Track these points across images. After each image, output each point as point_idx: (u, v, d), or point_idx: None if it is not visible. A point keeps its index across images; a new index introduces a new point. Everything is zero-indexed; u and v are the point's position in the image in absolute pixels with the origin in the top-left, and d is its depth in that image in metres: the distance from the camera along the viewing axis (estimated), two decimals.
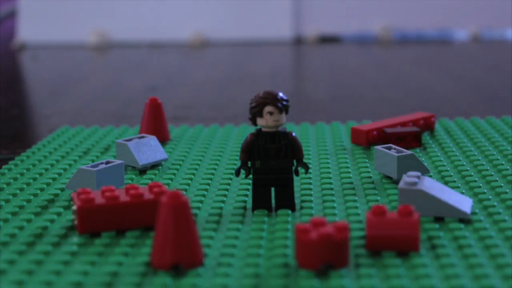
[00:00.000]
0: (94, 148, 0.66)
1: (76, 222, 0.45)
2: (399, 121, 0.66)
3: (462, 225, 0.45)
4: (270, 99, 0.46)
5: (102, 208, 0.45)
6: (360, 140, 0.64)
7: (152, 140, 0.60)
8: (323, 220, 0.40)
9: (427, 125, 0.68)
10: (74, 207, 0.45)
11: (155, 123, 0.67)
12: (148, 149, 0.59)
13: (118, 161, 0.54)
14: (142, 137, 0.61)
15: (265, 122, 0.47)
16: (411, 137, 0.62)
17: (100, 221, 0.45)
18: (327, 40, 1.59)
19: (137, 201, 0.45)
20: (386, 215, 0.41)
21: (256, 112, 0.47)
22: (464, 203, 0.47)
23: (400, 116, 0.69)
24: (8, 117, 0.89)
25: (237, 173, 0.49)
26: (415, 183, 0.46)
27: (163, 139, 0.67)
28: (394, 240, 0.41)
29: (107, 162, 0.53)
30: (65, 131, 0.73)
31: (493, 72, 1.18)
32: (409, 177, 0.47)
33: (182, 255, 0.39)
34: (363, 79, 1.12)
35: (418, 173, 0.48)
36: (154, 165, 0.60)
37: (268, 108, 0.47)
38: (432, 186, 0.47)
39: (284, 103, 0.47)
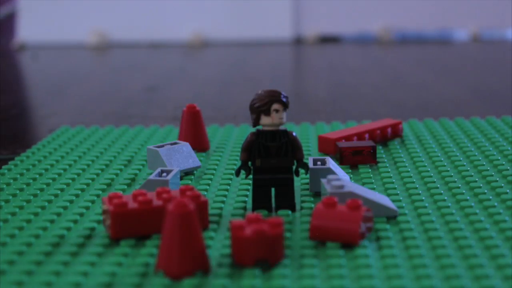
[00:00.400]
0: (94, 148, 0.66)
1: (108, 225, 0.44)
2: (367, 128, 0.64)
3: (462, 225, 0.45)
4: (277, 96, 0.47)
5: (135, 213, 0.44)
6: (328, 149, 0.61)
7: (185, 146, 0.58)
8: (259, 216, 0.40)
9: (395, 132, 0.66)
10: (105, 208, 0.45)
11: (194, 132, 0.64)
12: (180, 156, 0.57)
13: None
14: (175, 143, 0.59)
15: (271, 120, 0.47)
16: (367, 152, 0.58)
17: (134, 225, 0.44)
18: (327, 40, 1.59)
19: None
20: (336, 207, 0.43)
21: (263, 111, 0.47)
22: (387, 200, 0.48)
23: (369, 123, 0.67)
24: (8, 117, 0.89)
25: (237, 173, 0.49)
26: (342, 186, 0.46)
27: (202, 149, 0.64)
28: (336, 231, 0.42)
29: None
30: (65, 131, 0.73)
31: (493, 72, 1.18)
32: (333, 181, 0.47)
33: (188, 263, 0.39)
34: (363, 79, 1.12)
35: (336, 176, 0.48)
36: (187, 172, 0.58)
37: (275, 106, 0.47)
38: (356, 187, 0.47)
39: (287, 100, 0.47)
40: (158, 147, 0.58)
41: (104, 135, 0.71)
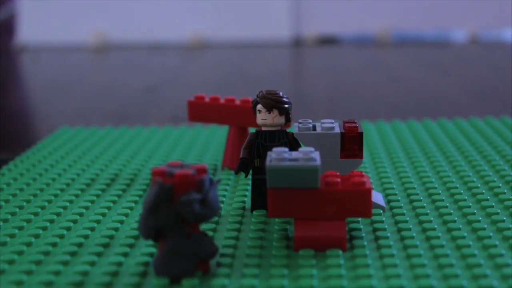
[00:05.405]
0: (94, 148, 0.67)
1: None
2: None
3: (460, 225, 0.45)
4: (259, 97, 0.47)
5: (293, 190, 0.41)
6: None
7: None
8: (180, 162, 0.39)
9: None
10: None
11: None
12: None
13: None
14: None
15: (256, 119, 0.48)
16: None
17: (292, 204, 0.42)
18: (326, 41, 1.59)
19: (331, 189, 0.41)
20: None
21: (253, 109, 0.48)
22: (378, 197, 0.48)
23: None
24: (8, 117, 0.89)
25: (236, 172, 0.49)
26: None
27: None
28: (321, 240, 0.41)
29: None
30: (65, 132, 0.73)
31: (492, 73, 1.18)
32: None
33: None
34: (362, 80, 1.12)
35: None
36: None
37: (258, 106, 0.47)
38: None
39: (281, 105, 0.47)
40: None
41: (103, 136, 0.71)
